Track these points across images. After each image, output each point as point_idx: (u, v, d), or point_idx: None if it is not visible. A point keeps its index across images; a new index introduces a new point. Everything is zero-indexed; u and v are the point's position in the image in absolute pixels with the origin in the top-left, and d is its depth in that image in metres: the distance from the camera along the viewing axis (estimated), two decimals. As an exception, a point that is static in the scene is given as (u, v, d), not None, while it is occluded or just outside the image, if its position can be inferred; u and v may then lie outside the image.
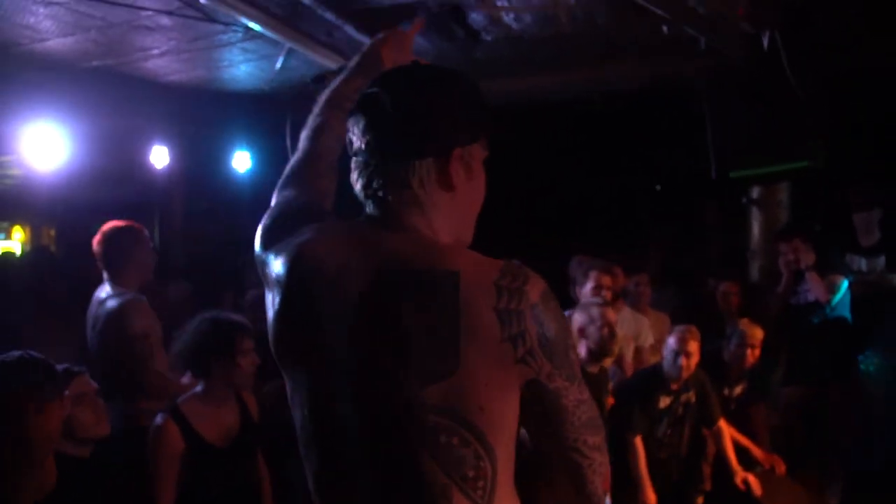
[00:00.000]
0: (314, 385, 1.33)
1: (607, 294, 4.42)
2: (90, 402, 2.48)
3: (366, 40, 4.48)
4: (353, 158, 1.39)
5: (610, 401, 3.80)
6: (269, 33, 4.04)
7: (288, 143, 3.13)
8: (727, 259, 6.06)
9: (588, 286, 4.42)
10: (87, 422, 2.44)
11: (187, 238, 6.89)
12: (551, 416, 1.30)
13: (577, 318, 3.64)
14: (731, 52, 4.49)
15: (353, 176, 1.40)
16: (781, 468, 4.29)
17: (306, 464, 1.38)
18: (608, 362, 4.35)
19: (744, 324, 4.37)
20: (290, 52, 4.69)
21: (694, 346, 3.97)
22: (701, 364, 4.12)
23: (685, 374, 3.98)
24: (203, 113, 5.71)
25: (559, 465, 1.33)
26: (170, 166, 5.81)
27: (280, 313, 1.38)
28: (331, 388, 1.31)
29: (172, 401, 2.92)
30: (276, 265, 1.40)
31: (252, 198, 6.43)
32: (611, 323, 3.63)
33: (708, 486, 4.40)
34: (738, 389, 4.51)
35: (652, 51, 4.95)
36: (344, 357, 1.29)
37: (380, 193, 1.35)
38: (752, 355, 4.31)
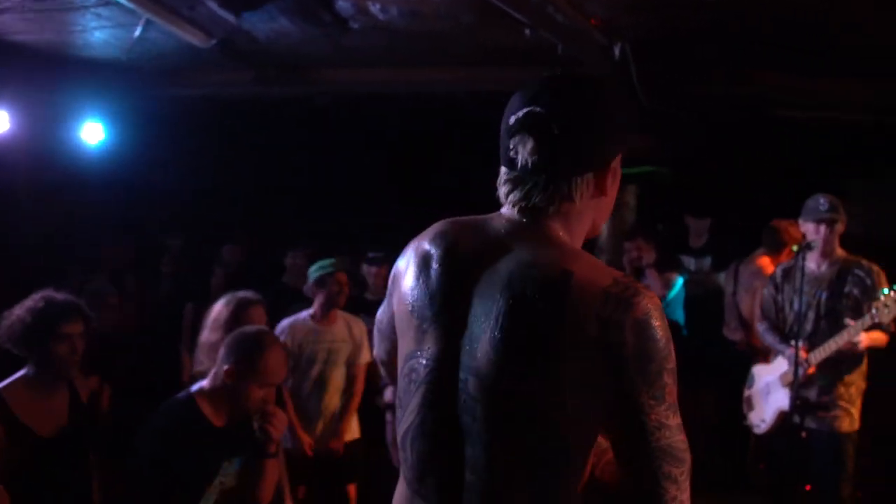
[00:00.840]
0: (435, 356, 1.42)
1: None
2: None
3: (228, 16, 4.41)
4: (508, 171, 1.46)
5: None
6: (123, 0, 3.87)
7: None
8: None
9: None
10: None
11: (29, 214, 6.44)
12: (630, 432, 1.30)
13: None
14: (586, 61, 4.74)
15: (506, 188, 1.46)
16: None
17: (400, 413, 1.49)
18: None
19: None
20: (149, 23, 4.52)
21: None
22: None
23: None
24: (51, 78, 5.37)
25: (632, 487, 1.32)
26: (10, 134, 5.41)
27: (414, 287, 1.49)
28: (438, 366, 1.41)
29: (-7, 383, 2.74)
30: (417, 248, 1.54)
31: (103, 171, 6.12)
32: None
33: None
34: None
35: (516, 55, 5.14)
36: (456, 334, 1.40)
37: (539, 206, 1.42)
38: None
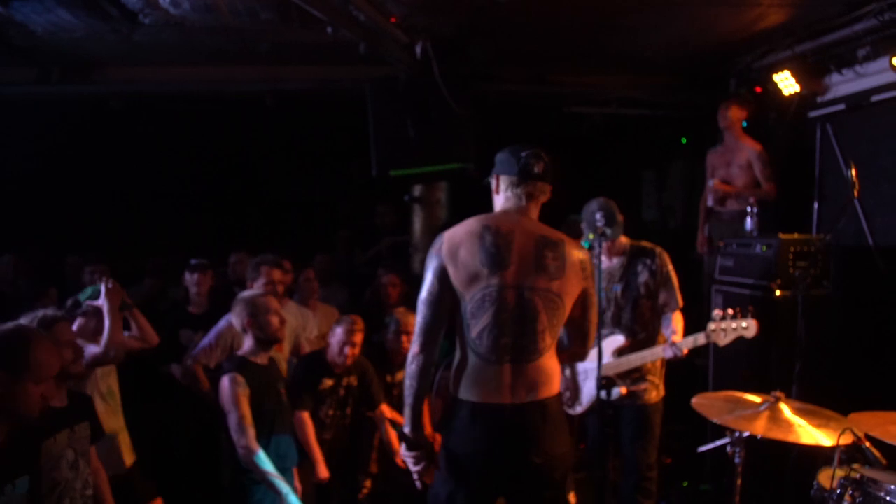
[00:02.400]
0: (496, 290, 2.68)
1: (279, 288, 4.45)
2: None
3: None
4: (523, 180, 2.80)
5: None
6: None
7: None
8: (393, 253, 6.42)
9: (260, 281, 4.41)
10: None
11: None
12: (589, 312, 2.87)
13: (242, 312, 3.61)
14: (391, 60, 4.78)
15: (527, 189, 2.81)
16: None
17: (473, 324, 2.71)
18: (283, 349, 4.39)
19: (399, 312, 4.56)
20: None
21: (359, 338, 4.15)
22: (365, 352, 4.32)
23: (349, 363, 4.15)
24: None
25: (580, 333, 2.89)
26: None
27: (478, 252, 2.70)
28: (506, 290, 2.69)
29: None
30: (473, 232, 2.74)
31: None
32: (278, 310, 3.67)
33: (374, 468, 4.62)
34: (399, 375, 4.72)
35: (320, 53, 5.09)
36: (517, 272, 2.70)
37: (533, 200, 2.83)
38: (407, 341, 4.48)
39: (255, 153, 6.89)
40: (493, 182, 2.88)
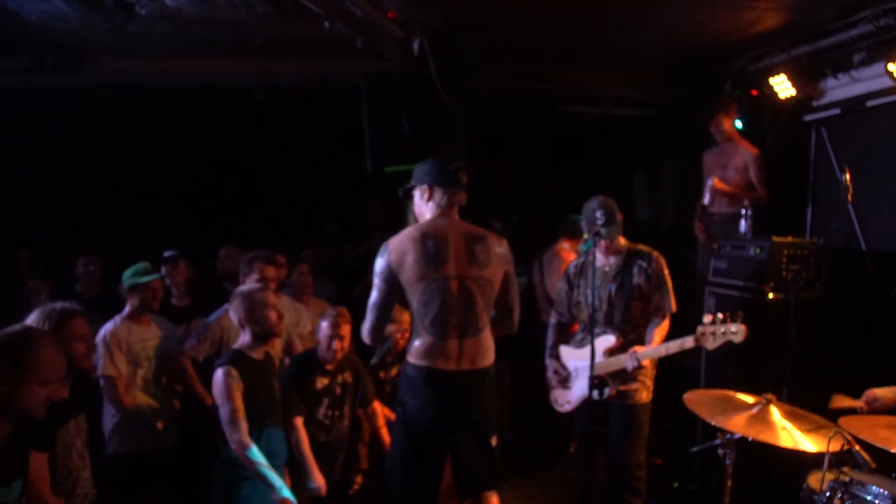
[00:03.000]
0: (441, 282, 3.24)
1: (272, 284, 4.43)
2: None
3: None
4: (449, 189, 3.35)
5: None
6: None
7: None
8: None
9: (253, 277, 4.39)
10: None
11: None
12: (511, 293, 3.43)
13: (239, 307, 3.60)
14: (387, 55, 4.77)
15: (455, 196, 3.38)
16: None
17: (426, 312, 3.26)
18: (276, 345, 4.36)
19: (395, 310, 4.56)
20: None
21: (345, 330, 4.12)
22: (356, 349, 4.30)
23: (339, 356, 4.13)
24: None
25: (507, 309, 3.44)
26: None
27: (423, 255, 3.23)
28: (449, 281, 3.25)
29: None
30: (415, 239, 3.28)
31: None
32: (275, 305, 3.66)
33: (365, 464, 4.61)
34: (393, 371, 4.73)
35: (316, 47, 5.07)
36: (455, 266, 3.27)
37: (456, 204, 3.39)
38: (402, 339, 4.47)
39: (246, 147, 6.84)
40: (424, 192, 3.37)
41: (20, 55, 5.28)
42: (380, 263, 3.27)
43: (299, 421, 3.98)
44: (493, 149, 6.27)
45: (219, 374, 3.46)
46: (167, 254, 5.16)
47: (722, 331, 3.76)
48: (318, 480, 3.89)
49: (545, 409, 4.56)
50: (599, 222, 3.83)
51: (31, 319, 2.99)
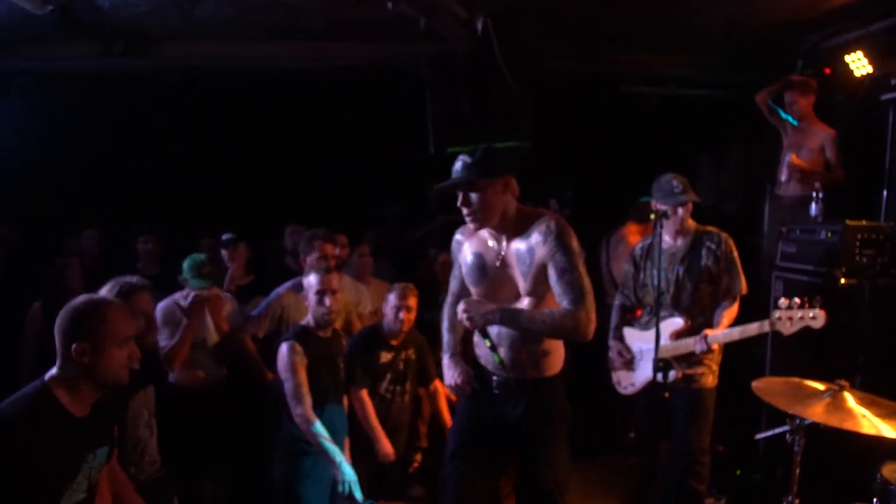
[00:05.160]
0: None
1: (332, 262, 4.49)
2: None
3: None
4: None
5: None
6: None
7: None
8: (444, 232, 6.41)
9: (313, 255, 4.45)
10: None
11: None
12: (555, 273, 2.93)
13: (307, 294, 3.68)
14: (449, 35, 4.75)
15: None
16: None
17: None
18: (338, 325, 4.43)
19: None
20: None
21: (413, 302, 4.16)
22: (418, 329, 4.34)
23: (405, 328, 4.16)
24: None
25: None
26: None
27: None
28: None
29: None
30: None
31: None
32: (336, 290, 3.71)
33: (425, 443, 4.65)
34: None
35: (379, 29, 5.08)
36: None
37: None
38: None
39: (308, 129, 6.92)
40: (506, 184, 3.00)
41: (92, 41, 5.42)
42: (576, 245, 2.97)
43: (364, 393, 4.05)
44: (553, 130, 6.19)
45: (283, 348, 3.52)
46: (226, 237, 5.28)
47: (800, 316, 3.64)
48: (386, 447, 3.95)
49: (605, 392, 4.53)
50: (677, 190, 3.80)
51: (102, 291, 3.10)
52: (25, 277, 5.44)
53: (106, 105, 6.30)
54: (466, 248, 3.20)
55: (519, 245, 2.99)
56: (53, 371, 2.38)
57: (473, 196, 2.92)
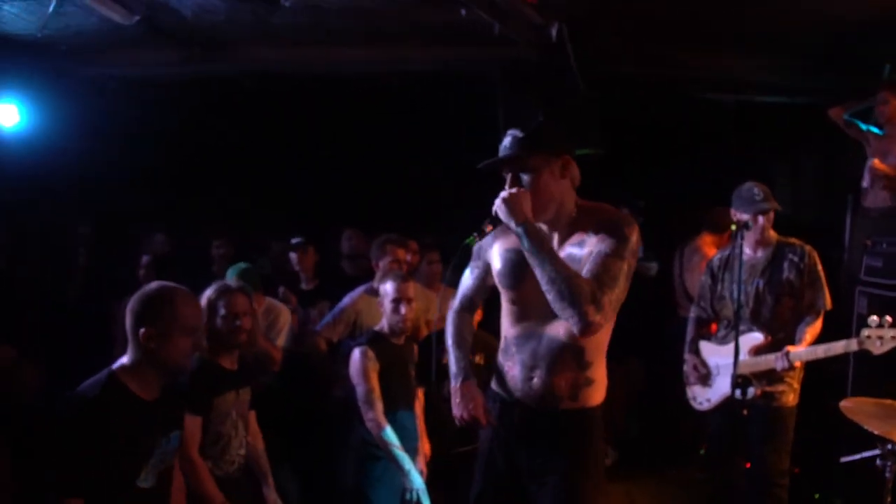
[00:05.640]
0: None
1: (404, 267, 4.51)
2: None
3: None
4: None
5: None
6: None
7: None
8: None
9: (385, 260, 4.48)
10: None
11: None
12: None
13: (383, 299, 3.70)
14: (522, 41, 4.71)
15: None
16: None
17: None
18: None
19: None
20: (64, -3, 4.27)
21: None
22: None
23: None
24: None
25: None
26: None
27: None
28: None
29: None
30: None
31: (22, 155, 5.77)
32: (411, 297, 3.73)
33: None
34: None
35: (451, 34, 5.07)
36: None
37: None
38: None
39: (377, 134, 6.96)
40: (565, 165, 2.48)
41: (173, 48, 5.57)
42: (637, 246, 2.43)
43: (420, 391, 4.02)
44: (626, 137, 6.09)
45: (356, 353, 3.54)
46: (295, 240, 5.34)
47: (891, 335, 3.46)
48: (424, 447, 3.93)
49: (675, 405, 4.42)
50: (758, 198, 3.67)
51: (206, 292, 3.23)
52: (105, 275, 5.64)
53: (184, 109, 6.47)
54: (498, 247, 2.64)
55: (574, 250, 2.43)
56: (123, 359, 2.46)
57: (525, 178, 2.41)
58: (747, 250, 3.86)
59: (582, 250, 2.41)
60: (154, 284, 2.54)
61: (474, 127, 5.78)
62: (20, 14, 4.63)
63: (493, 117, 5.05)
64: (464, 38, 5.05)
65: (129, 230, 6.12)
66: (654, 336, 5.74)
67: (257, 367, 3.48)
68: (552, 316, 2.37)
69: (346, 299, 4.49)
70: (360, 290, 4.55)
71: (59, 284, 5.68)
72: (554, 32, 4.50)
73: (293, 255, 5.25)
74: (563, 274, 2.25)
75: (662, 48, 5.69)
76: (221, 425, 3.11)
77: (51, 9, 4.49)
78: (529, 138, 2.42)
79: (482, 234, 2.46)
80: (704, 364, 4.08)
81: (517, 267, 2.52)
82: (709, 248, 5.33)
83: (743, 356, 3.69)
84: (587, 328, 2.25)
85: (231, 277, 4.17)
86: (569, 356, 2.45)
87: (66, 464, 2.27)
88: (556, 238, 2.50)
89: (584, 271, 2.31)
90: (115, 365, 2.46)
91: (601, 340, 2.51)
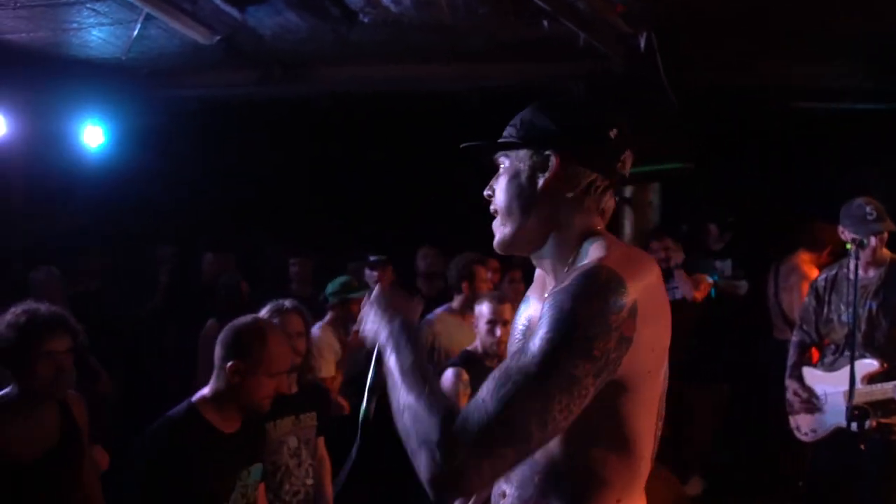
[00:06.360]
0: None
1: (486, 286, 4.40)
2: None
3: (233, 12, 4.22)
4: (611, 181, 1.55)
5: None
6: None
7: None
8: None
9: (469, 279, 4.40)
10: None
11: (28, 221, 6.19)
12: None
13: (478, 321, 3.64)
14: (609, 51, 4.54)
15: (606, 198, 1.57)
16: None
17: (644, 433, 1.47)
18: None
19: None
20: (148, 19, 4.32)
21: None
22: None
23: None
24: (49, 80, 5.15)
25: None
26: (8, 137, 5.17)
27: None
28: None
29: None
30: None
31: (104, 176, 5.90)
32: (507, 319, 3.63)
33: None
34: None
35: (532, 49, 4.95)
36: None
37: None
38: None
39: (456, 152, 6.89)
40: (565, 167, 1.51)
41: (251, 68, 5.61)
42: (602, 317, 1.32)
43: None
44: (714, 149, 5.83)
45: (449, 374, 3.47)
46: (374, 258, 5.27)
47: None
48: None
49: (770, 433, 4.16)
50: (871, 217, 3.40)
51: (262, 312, 3.10)
52: (187, 295, 5.69)
53: (261, 129, 6.53)
54: (522, 310, 1.78)
55: None
56: (205, 389, 2.39)
57: (500, 181, 1.61)
58: (858, 270, 3.60)
59: None
60: (249, 318, 2.47)
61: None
62: (107, 39, 4.73)
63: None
64: (546, 52, 4.92)
65: (206, 249, 6.15)
66: (745, 359, 5.46)
67: (318, 392, 3.36)
68: None
69: (422, 321, 4.39)
70: (438, 311, 4.45)
71: (140, 303, 5.75)
72: (642, 42, 4.31)
73: (371, 273, 5.17)
74: (414, 399, 1.36)
75: (753, 56, 5.44)
76: (277, 454, 2.93)
77: (136, 31, 4.56)
78: (521, 123, 1.60)
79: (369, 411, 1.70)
80: (808, 391, 3.81)
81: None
82: (807, 267, 5.04)
83: (857, 384, 3.42)
84: (431, 485, 1.29)
85: (332, 290, 4.38)
86: (543, 482, 1.49)
87: (145, 497, 2.21)
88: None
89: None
90: (196, 396, 2.39)
91: (599, 463, 1.44)
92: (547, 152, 1.52)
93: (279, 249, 6.25)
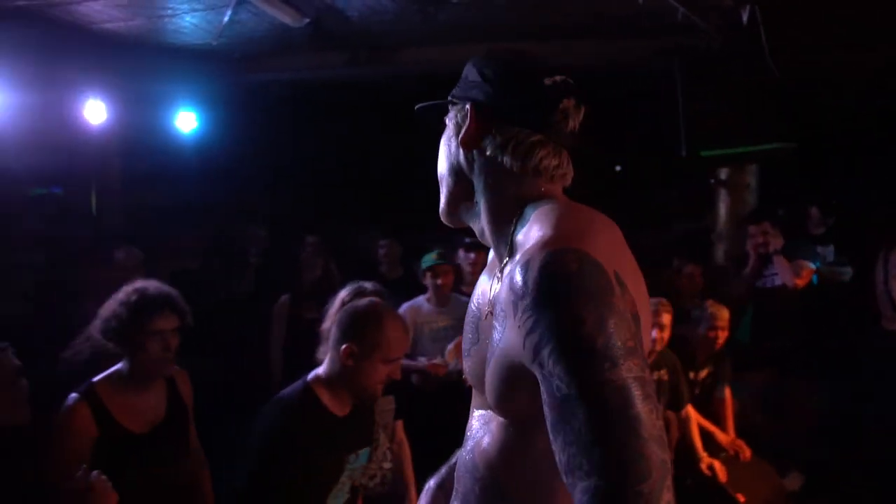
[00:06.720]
0: None
1: None
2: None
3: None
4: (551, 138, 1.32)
5: None
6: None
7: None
8: (688, 241, 5.95)
9: None
10: None
11: (127, 204, 6.41)
12: None
13: None
14: (708, 25, 4.32)
15: (553, 160, 1.33)
16: (746, 454, 4.20)
17: None
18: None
19: (711, 305, 4.22)
20: (239, 3, 4.36)
21: (667, 319, 3.84)
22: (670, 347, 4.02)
23: (658, 347, 3.86)
24: (144, 66, 5.27)
25: None
26: (107, 124, 5.34)
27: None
28: None
29: (88, 380, 2.56)
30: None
31: (198, 160, 6.04)
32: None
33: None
34: (703, 373, 4.38)
35: (627, 25, 4.77)
36: None
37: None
38: (720, 338, 4.20)
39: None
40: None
41: (339, 51, 5.61)
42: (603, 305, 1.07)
43: None
44: (818, 129, 5.52)
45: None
46: (468, 240, 5.21)
47: None
48: None
49: (879, 428, 3.93)
50: None
51: (341, 293, 3.04)
52: (278, 274, 5.77)
53: (350, 111, 6.55)
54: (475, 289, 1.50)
55: (496, 324, 1.22)
56: (319, 369, 2.37)
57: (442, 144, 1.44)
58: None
59: (498, 332, 1.21)
60: (366, 301, 2.43)
61: (652, 124, 5.43)
62: (199, 24, 4.80)
63: (672, 113, 4.69)
64: (641, 28, 4.73)
65: (299, 231, 6.23)
66: (849, 349, 5.19)
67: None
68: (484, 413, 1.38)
69: None
70: None
71: (231, 283, 5.87)
72: (745, 16, 4.07)
73: (469, 255, 5.11)
74: None
75: (862, 33, 5.09)
76: None
77: (226, 17, 4.61)
78: (469, 78, 1.43)
79: None
80: None
81: (470, 327, 1.44)
82: None
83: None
84: None
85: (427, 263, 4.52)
86: (481, 490, 1.31)
87: (259, 476, 2.21)
88: (499, 269, 1.31)
89: (556, 446, 1.04)
90: (311, 376, 2.39)
91: (542, 472, 1.22)
92: (467, 105, 1.34)
93: (367, 231, 6.28)
